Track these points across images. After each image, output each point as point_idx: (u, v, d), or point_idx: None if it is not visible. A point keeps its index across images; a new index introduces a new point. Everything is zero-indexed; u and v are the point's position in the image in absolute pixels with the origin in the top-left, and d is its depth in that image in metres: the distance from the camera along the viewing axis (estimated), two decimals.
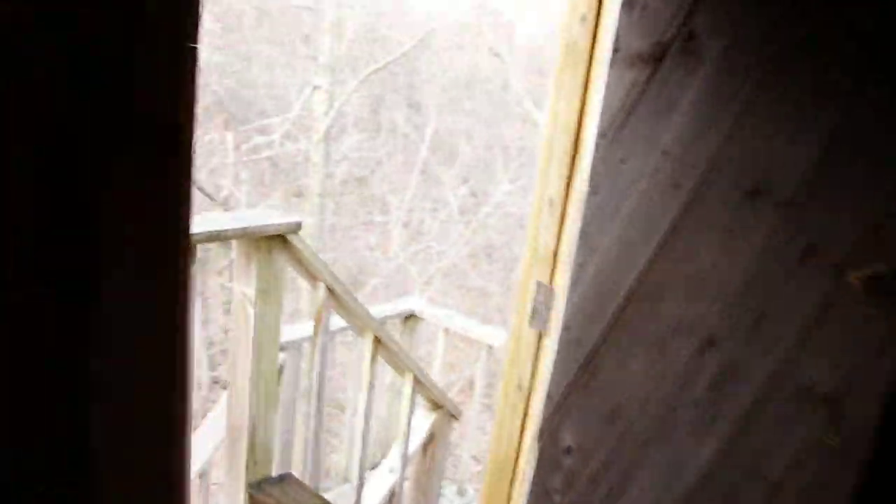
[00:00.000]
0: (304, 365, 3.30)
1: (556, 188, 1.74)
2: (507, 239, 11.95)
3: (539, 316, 1.86)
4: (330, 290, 2.83)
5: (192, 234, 2.27)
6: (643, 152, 1.62)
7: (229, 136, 8.54)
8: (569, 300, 1.77)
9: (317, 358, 2.90)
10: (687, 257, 1.72)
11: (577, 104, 1.68)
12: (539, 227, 1.81)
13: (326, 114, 8.30)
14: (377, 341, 3.14)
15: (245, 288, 2.55)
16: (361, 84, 9.99)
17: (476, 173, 12.66)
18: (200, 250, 2.46)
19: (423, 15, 12.30)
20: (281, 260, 2.58)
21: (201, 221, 2.35)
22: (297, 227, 2.56)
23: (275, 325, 2.64)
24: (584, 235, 1.70)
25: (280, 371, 3.56)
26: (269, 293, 2.58)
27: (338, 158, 10.02)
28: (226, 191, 8.52)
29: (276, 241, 2.54)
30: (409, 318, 4.65)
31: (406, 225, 11.77)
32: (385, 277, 10.62)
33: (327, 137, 8.92)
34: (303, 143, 8.92)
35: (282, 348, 3.58)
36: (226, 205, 8.54)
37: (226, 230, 2.36)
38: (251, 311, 2.55)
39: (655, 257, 1.71)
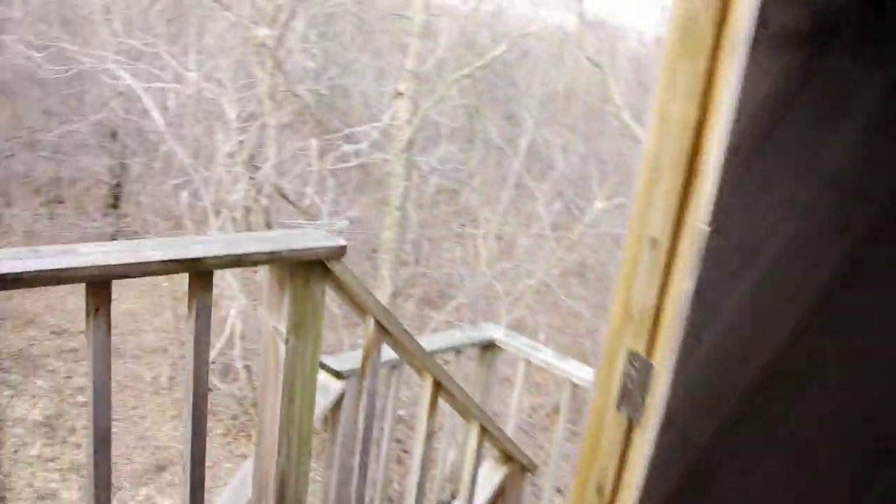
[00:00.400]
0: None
1: (660, 224, 1.24)
2: (602, 259, 11.30)
3: (630, 398, 1.36)
4: (380, 326, 2.41)
5: (211, 258, 1.89)
6: (795, 176, 1.11)
7: (315, 143, 8.33)
8: (674, 380, 1.27)
9: (363, 403, 2.48)
10: (852, 328, 1.19)
11: (695, 106, 1.18)
12: (634, 275, 1.31)
13: (409, 122, 7.96)
14: (437, 385, 2.69)
15: (276, 322, 2.16)
16: (454, 94, 9.62)
17: (571, 189, 12.07)
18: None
19: (520, 23, 11.85)
20: (319, 290, 2.17)
21: (224, 242, 1.97)
22: (339, 251, 2.15)
23: (311, 365, 2.24)
24: (702, 292, 1.19)
25: (338, 402, 3.19)
26: (304, 328, 2.18)
27: (427, 170, 9.69)
28: (308, 199, 8.32)
29: (314, 268, 2.13)
30: (488, 347, 4.25)
31: (496, 240, 11.31)
32: (471, 294, 10.18)
33: (415, 147, 8.58)
34: (391, 152, 8.64)
35: (343, 376, 3.22)
36: (308, 213, 8.33)
37: (251, 254, 1.97)
38: (282, 348, 2.16)
39: (805, 326, 1.20)
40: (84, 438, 8.96)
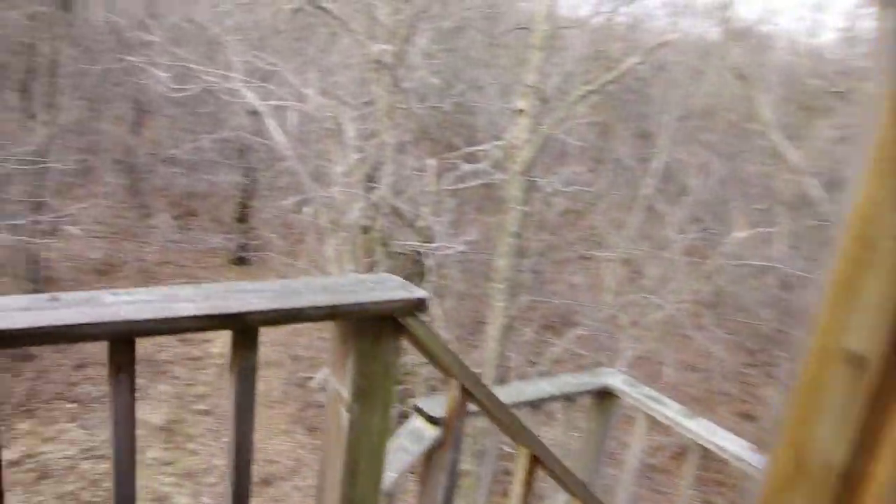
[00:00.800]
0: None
1: (869, 334, 0.77)
2: (739, 291, 10.37)
3: None
4: (465, 391, 2.01)
5: (255, 313, 1.56)
6: None
7: (434, 162, 8.08)
8: None
9: (442, 481, 2.09)
10: None
11: None
12: (816, 410, 0.84)
13: (529, 141, 7.52)
14: (534, 460, 2.26)
15: (339, 385, 1.80)
16: (583, 111, 9.11)
17: (707, 214, 11.20)
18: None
19: (657, 36, 11.16)
20: (391, 350, 1.80)
21: (274, 293, 1.63)
22: (415, 305, 1.77)
23: (379, 438, 1.87)
24: None
25: (431, 451, 2.81)
26: (371, 394, 1.81)
27: (550, 191, 9.23)
28: (426, 220, 8.07)
29: (385, 325, 1.76)
30: (605, 395, 3.75)
31: (622, 266, 10.65)
32: (593, 323, 9.59)
33: (536, 167, 8.15)
34: (508, 174, 8.24)
35: (439, 423, 2.84)
36: (424, 234, 8.08)
37: (306, 308, 1.62)
38: (345, 416, 1.80)
39: None
40: (199, 446, 9.15)
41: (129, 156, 13.61)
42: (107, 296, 1.46)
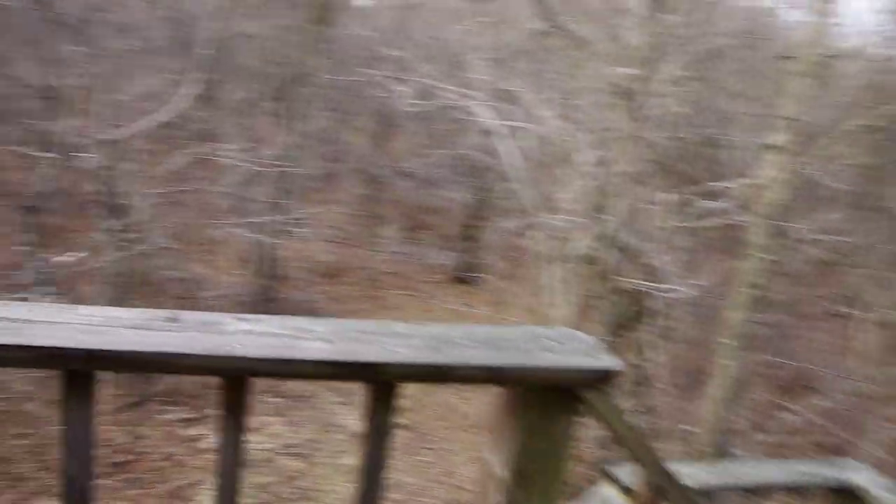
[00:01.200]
0: None
1: None
2: None
3: None
4: (656, 488, 1.60)
5: (395, 366, 1.29)
6: None
7: (670, 197, 7.47)
8: None
9: None
10: None
11: None
12: None
13: (781, 181, 6.62)
14: None
15: (494, 460, 1.48)
16: (849, 151, 7.99)
17: None
18: None
19: None
20: (563, 427, 1.45)
21: (420, 341, 1.35)
22: (602, 378, 1.40)
23: None
24: None
25: None
26: (535, 478, 1.48)
27: (800, 237, 8.18)
28: (653, 258, 7.46)
29: (561, 396, 1.42)
30: (845, 494, 3.05)
31: (880, 331, 9.21)
32: (837, 395, 8.34)
33: (788, 209, 7.22)
34: (751, 216, 7.38)
35: (637, 498, 2.44)
36: (651, 272, 7.47)
37: (459, 367, 1.33)
38: (498, 499, 1.47)
39: None
40: (392, 460, 9.19)
41: (368, 166, 14.37)
42: (229, 321, 1.27)
